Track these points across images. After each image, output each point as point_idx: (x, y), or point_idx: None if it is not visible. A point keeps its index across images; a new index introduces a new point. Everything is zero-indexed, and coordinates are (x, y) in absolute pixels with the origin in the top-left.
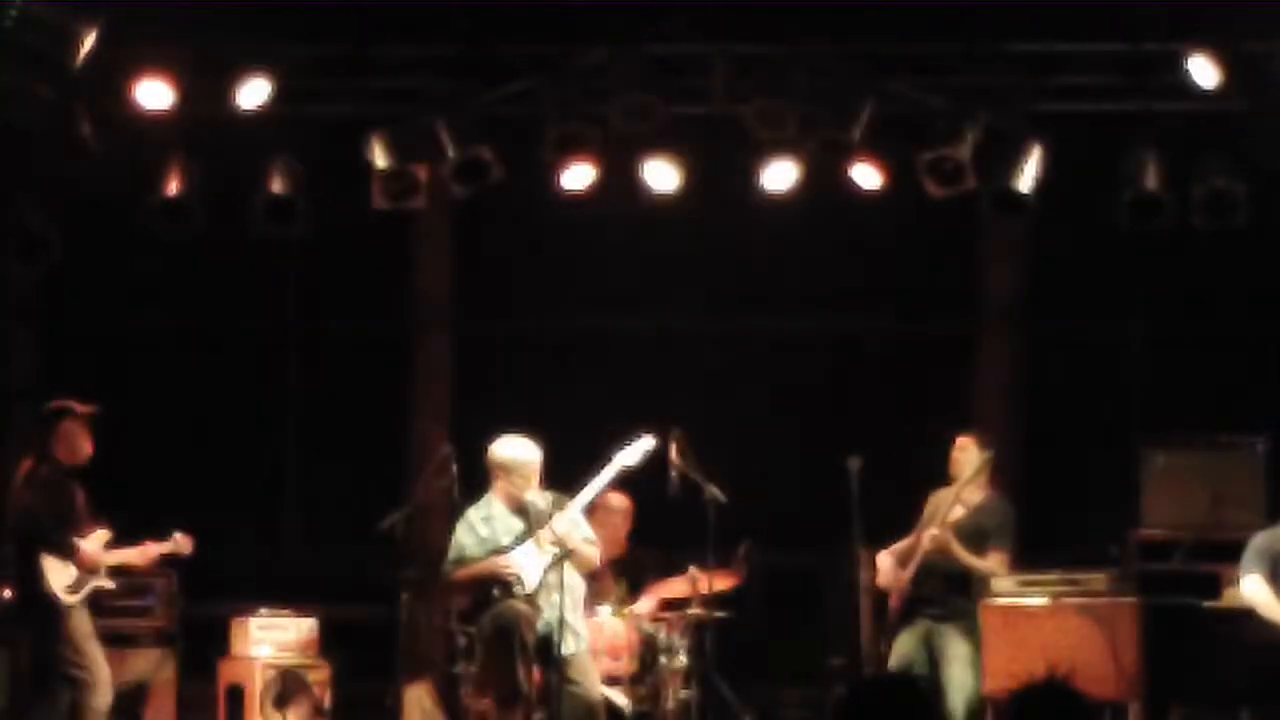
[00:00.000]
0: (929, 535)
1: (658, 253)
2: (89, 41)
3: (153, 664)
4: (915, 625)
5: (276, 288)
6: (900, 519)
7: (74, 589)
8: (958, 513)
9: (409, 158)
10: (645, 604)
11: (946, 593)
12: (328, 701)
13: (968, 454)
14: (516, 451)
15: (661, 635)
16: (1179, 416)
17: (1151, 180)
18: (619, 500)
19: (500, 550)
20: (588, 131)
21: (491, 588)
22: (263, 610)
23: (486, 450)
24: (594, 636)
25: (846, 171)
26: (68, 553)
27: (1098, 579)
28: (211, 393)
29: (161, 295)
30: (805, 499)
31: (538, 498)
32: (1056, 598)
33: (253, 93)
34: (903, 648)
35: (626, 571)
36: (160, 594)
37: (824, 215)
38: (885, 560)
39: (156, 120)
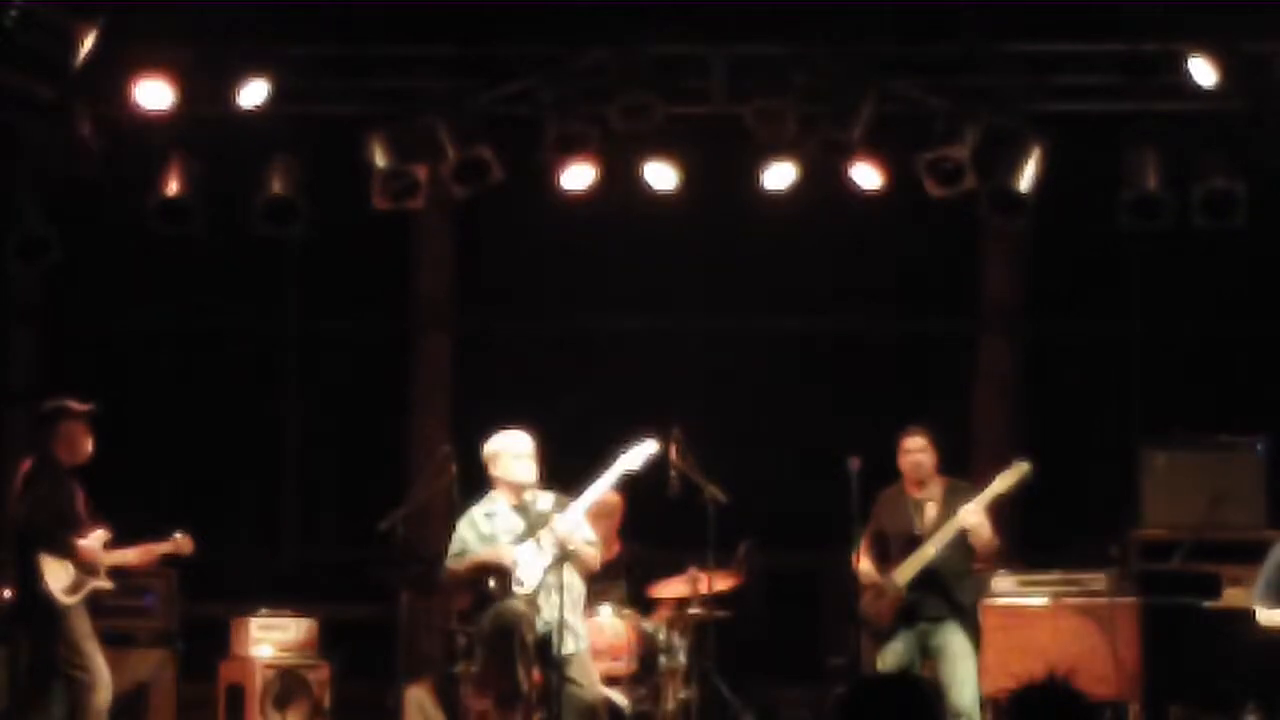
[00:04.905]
0: (968, 517)
1: (658, 253)
2: (89, 41)
3: (153, 664)
4: (909, 631)
5: (276, 288)
6: None
7: (73, 589)
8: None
9: (409, 158)
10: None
11: (944, 596)
12: (327, 701)
13: (927, 454)
14: (501, 439)
15: (661, 635)
16: (1179, 416)
17: (1151, 180)
18: (610, 497)
19: None
20: (588, 131)
21: (489, 583)
22: (263, 610)
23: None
24: (594, 636)
25: (846, 171)
26: (67, 553)
27: (1098, 579)
28: (211, 393)
29: (161, 295)
30: (805, 499)
31: (539, 498)
32: (1056, 598)
33: (253, 93)
34: (895, 653)
35: (626, 571)
36: (160, 594)
37: (824, 215)
38: (868, 564)
39: (156, 120)
